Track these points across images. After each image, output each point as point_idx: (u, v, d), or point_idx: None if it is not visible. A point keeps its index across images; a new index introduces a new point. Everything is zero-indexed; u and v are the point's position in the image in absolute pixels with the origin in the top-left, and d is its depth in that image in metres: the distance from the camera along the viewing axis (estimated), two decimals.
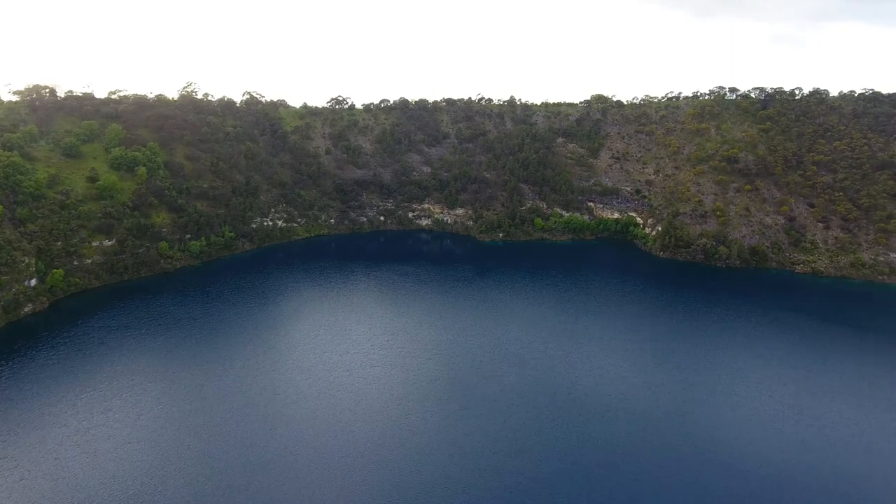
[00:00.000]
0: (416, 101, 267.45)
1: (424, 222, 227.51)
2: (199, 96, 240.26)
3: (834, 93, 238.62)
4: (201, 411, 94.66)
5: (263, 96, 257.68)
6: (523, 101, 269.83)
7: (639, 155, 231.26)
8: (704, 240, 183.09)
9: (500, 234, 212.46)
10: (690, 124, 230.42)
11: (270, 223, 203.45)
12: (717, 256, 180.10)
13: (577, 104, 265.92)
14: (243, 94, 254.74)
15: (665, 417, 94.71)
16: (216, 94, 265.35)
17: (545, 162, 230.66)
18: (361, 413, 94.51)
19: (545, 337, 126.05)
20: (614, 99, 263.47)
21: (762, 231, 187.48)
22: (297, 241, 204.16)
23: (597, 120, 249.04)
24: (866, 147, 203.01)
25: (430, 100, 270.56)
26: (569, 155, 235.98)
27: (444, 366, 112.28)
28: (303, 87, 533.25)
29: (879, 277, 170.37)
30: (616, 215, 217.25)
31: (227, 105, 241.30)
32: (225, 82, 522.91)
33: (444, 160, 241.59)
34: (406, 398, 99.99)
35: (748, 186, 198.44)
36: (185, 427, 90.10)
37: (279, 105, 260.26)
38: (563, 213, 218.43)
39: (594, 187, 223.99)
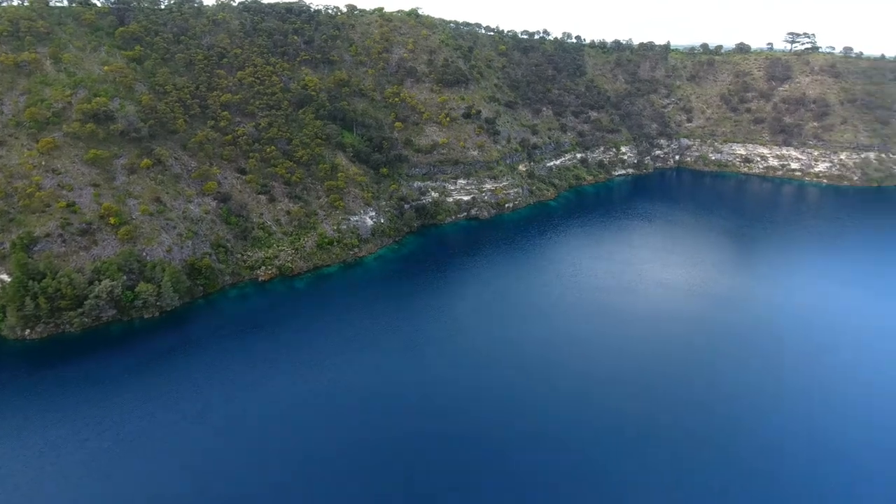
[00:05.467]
0: None
1: None
2: None
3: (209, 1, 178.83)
4: None
5: None
6: None
7: None
8: (108, 282, 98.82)
9: None
10: (1, 55, 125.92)
11: None
12: (137, 306, 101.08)
13: None
14: None
15: None
16: None
17: None
18: None
19: None
20: None
21: (193, 231, 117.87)
22: None
23: None
24: (275, 77, 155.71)
25: None
26: None
27: None
28: None
29: (352, 252, 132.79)
30: None
31: None
32: None
33: None
34: None
35: (147, 161, 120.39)
36: None
37: None
38: None
39: None
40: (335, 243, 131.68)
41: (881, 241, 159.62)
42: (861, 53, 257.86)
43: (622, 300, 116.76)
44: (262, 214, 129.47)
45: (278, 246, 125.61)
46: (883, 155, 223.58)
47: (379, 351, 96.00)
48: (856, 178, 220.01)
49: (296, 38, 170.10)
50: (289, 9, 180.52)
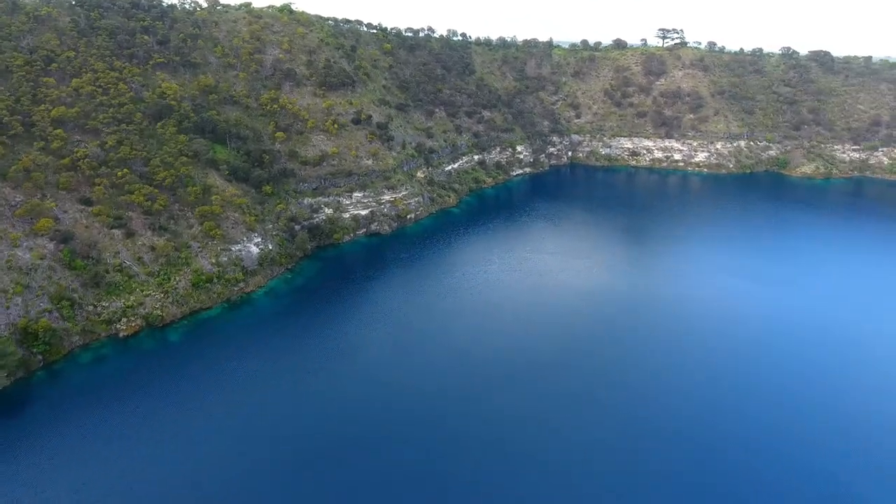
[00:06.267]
0: None
1: None
2: None
3: None
4: None
5: None
6: None
7: None
8: None
9: None
10: None
11: None
12: None
13: None
14: None
15: None
16: None
17: None
18: None
19: None
20: None
21: (22, 284, 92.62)
22: None
23: None
24: (123, 85, 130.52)
25: None
26: None
27: None
28: None
29: (237, 288, 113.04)
30: None
31: None
32: None
33: None
34: None
35: None
36: None
37: None
38: None
39: None
40: (215, 280, 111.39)
41: (762, 227, 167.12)
42: (724, 48, 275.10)
43: (541, 316, 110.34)
44: (118, 253, 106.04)
45: (142, 290, 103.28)
46: (752, 143, 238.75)
47: (270, 403, 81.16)
48: (731, 165, 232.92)
49: (146, 37, 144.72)
50: (135, 4, 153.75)
